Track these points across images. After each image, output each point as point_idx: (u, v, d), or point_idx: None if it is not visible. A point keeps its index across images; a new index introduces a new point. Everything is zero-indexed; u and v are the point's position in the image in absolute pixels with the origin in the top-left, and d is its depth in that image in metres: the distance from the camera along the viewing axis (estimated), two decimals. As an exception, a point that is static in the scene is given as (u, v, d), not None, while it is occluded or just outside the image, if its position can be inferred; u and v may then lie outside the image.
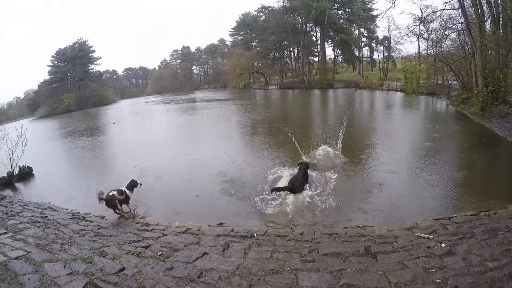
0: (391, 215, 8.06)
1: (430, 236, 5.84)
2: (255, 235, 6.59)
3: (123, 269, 5.15)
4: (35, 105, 79.98)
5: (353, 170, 11.97)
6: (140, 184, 9.40)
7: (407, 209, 8.44)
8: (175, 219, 8.50)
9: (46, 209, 10.46)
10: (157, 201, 10.61)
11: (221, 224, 7.79)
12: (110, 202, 8.55)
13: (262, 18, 77.50)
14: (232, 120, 29.35)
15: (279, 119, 25.89)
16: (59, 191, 13.51)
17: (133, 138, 26.17)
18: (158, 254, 5.66)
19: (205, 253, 5.59)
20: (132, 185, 9.17)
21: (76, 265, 5.19)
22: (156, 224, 7.82)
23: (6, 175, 15.39)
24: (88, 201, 11.12)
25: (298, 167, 10.29)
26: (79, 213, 9.68)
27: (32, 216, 9.15)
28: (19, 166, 16.17)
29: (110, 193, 8.57)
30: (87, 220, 8.62)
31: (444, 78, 32.77)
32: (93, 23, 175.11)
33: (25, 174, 16.29)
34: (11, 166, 15.78)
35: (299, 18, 66.05)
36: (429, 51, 40.54)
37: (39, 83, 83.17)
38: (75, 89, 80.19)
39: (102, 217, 8.86)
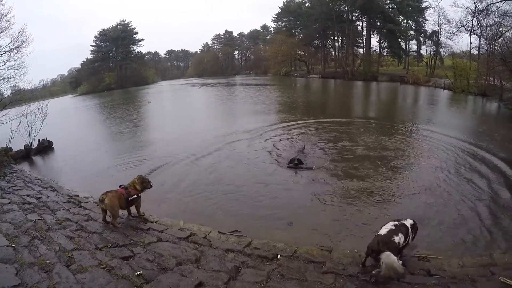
0: (447, 241, 5.91)
1: None
2: (278, 256, 4.72)
3: (80, 293, 3.57)
4: (77, 82, 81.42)
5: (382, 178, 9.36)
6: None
7: (460, 232, 6.17)
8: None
9: (46, 188, 9.49)
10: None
11: (235, 231, 5.89)
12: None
13: (307, 4, 73.66)
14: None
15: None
16: (71, 168, 12.52)
17: (165, 118, 25.32)
18: (137, 274, 4.00)
19: (199, 285, 3.78)
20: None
21: (30, 274, 3.98)
22: (156, 222, 6.19)
23: (23, 148, 14.67)
24: (95, 183, 9.94)
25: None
26: (78, 195, 8.44)
27: (27, 196, 8.17)
28: (38, 140, 15.47)
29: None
30: (81, 207, 7.29)
31: (497, 78, 28.97)
32: (138, 5, 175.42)
33: (44, 148, 15.54)
34: (29, 139, 15.06)
35: (345, 6, 62.00)
36: (481, 49, 36.91)
37: (82, 62, 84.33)
38: (116, 69, 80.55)
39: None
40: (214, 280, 3.94)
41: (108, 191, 5.88)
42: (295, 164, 10.22)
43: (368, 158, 11.18)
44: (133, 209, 6.39)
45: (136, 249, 4.80)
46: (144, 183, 6.47)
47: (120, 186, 6.21)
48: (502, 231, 6.19)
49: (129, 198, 6.13)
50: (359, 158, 11.26)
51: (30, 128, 15.15)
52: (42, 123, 15.72)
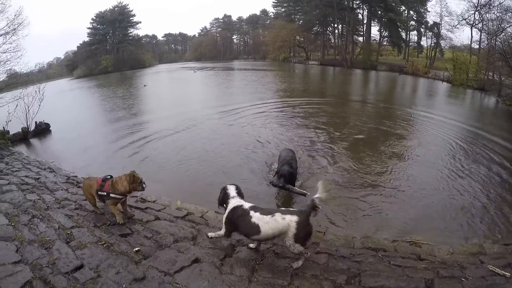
0: (433, 229, 6.08)
1: (508, 274, 4.02)
2: None
3: (80, 267, 3.71)
4: (73, 65, 79.88)
5: (371, 168, 9.45)
6: None
7: (451, 223, 6.34)
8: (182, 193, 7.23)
9: (45, 169, 9.49)
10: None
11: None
12: None
13: (307, -10, 73.39)
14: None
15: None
16: (69, 149, 12.57)
17: (161, 100, 25.50)
18: (135, 250, 4.13)
19: (196, 261, 3.92)
20: None
21: (30, 251, 4.04)
22: (154, 201, 6.32)
23: (21, 130, 14.68)
24: (94, 165, 10.15)
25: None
26: (76, 176, 8.53)
27: (25, 177, 8.17)
28: (36, 122, 15.45)
29: None
30: (79, 187, 7.31)
31: (496, 74, 28.94)
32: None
33: (42, 130, 15.58)
34: (27, 122, 15.03)
35: (346, -7, 61.63)
36: (482, 43, 37.30)
37: (78, 45, 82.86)
38: (113, 52, 79.66)
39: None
40: (210, 256, 4.08)
41: (86, 178, 5.62)
42: (281, 186, 6.97)
43: (371, 144, 11.38)
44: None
45: (134, 227, 4.90)
46: (133, 183, 4.96)
47: (107, 176, 5.28)
48: (498, 221, 6.37)
49: (98, 192, 5.08)
50: (361, 144, 11.44)
51: (27, 111, 15.08)
52: (39, 105, 15.63)
